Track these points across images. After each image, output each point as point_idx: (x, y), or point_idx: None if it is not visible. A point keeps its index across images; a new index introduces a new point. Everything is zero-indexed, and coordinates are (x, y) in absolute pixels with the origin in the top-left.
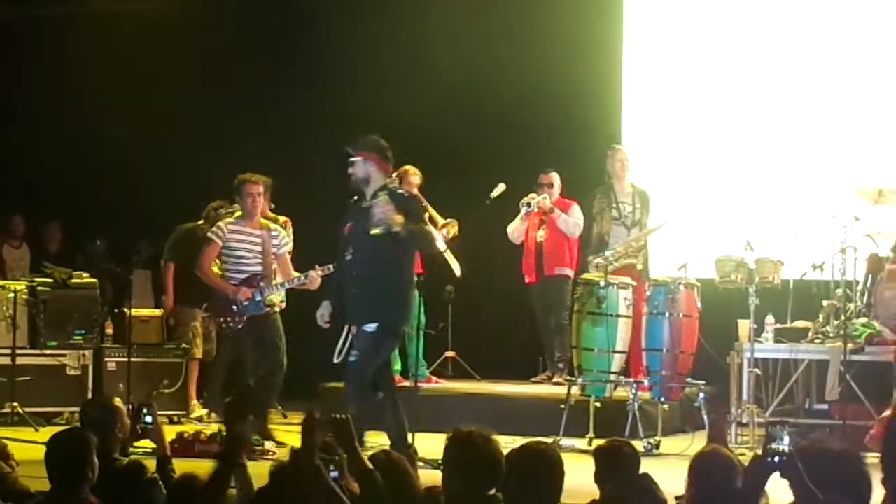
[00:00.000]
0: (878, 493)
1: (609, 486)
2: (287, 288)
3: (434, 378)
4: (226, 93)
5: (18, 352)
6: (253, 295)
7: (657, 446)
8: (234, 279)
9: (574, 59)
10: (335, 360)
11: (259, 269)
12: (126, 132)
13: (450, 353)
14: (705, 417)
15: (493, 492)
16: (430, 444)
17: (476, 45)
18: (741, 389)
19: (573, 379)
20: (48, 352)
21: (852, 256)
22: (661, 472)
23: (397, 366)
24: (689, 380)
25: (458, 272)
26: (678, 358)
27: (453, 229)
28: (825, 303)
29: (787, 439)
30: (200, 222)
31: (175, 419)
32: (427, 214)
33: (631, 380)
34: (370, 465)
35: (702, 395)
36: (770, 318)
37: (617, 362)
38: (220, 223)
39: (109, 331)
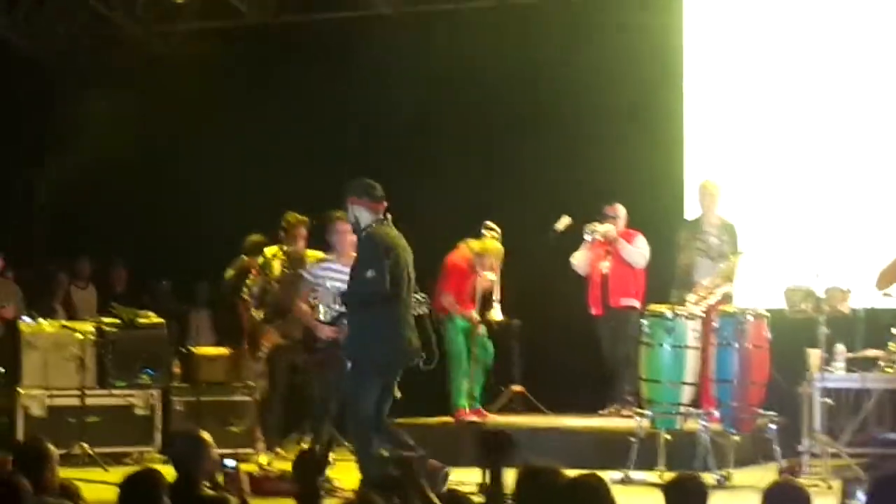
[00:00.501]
0: None
1: None
2: None
3: (482, 411)
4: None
5: (87, 392)
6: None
7: (728, 478)
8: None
9: (636, 86)
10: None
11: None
12: (190, 174)
13: (517, 388)
14: (777, 448)
15: None
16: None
17: (539, 73)
18: (812, 420)
19: (642, 411)
20: (116, 392)
21: None
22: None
23: (462, 401)
24: (760, 411)
25: (498, 316)
26: (748, 389)
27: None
28: (895, 331)
29: (862, 498)
30: (245, 258)
31: (243, 458)
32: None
33: (701, 411)
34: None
35: (773, 426)
36: (840, 347)
37: (686, 394)
38: (307, 265)
39: (177, 370)
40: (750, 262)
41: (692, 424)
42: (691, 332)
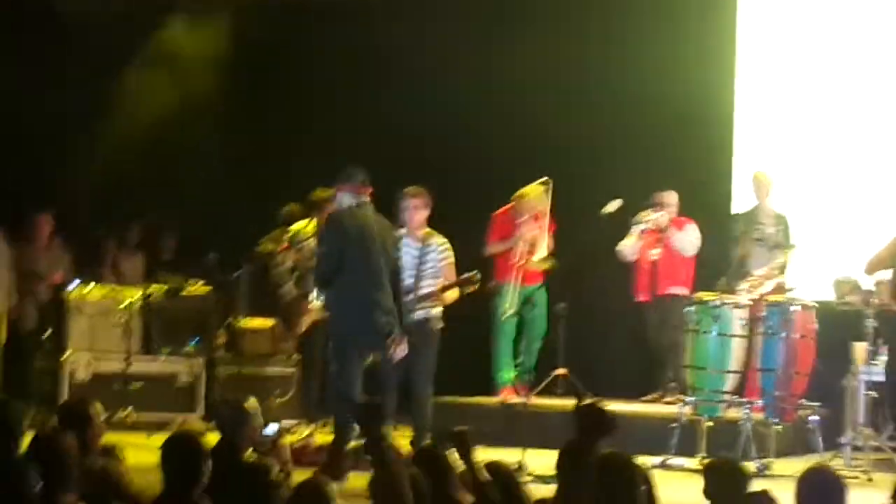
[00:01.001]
0: None
1: (719, 502)
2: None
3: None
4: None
5: (132, 359)
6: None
7: (769, 467)
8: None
9: (689, 75)
10: None
11: (410, 281)
12: (240, 149)
13: (561, 371)
14: (819, 440)
15: None
16: (540, 461)
17: (592, 58)
18: (856, 413)
19: (685, 398)
20: (161, 359)
21: None
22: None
23: (503, 377)
24: (803, 401)
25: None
26: (792, 378)
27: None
28: None
29: None
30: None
31: (287, 430)
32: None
33: (744, 400)
34: (486, 476)
35: (816, 417)
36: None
37: (730, 382)
38: None
39: (221, 341)
40: (801, 253)
41: (734, 413)
42: (738, 321)
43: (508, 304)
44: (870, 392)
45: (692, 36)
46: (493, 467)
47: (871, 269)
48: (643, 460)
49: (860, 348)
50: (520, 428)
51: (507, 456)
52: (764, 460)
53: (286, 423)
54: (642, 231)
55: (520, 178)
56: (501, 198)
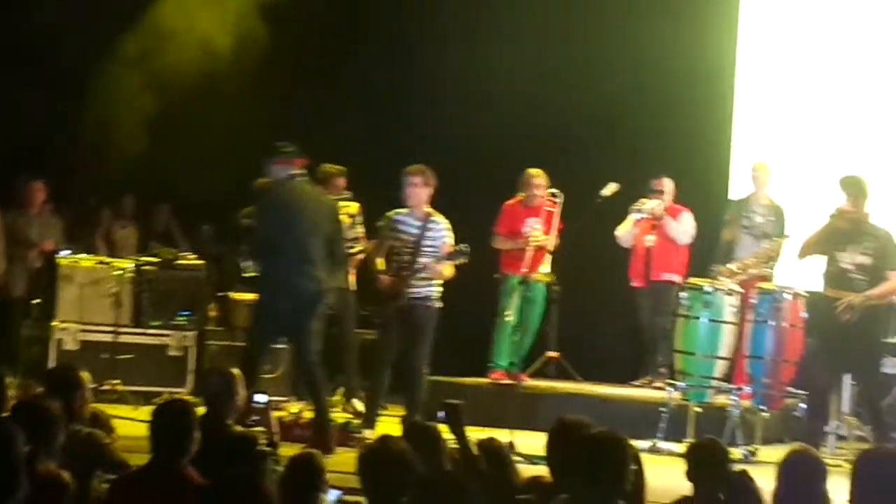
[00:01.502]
0: None
1: (701, 483)
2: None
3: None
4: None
5: (121, 330)
6: (393, 284)
7: (755, 454)
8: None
9: (688, 63)
10: None
11: (409, 258)
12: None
13: (553, 354)
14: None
15: None
16: (529, 441)
17: (587, 43)
18: (841, 402)
19: (674, 382)
20: (151, 331)
21: None
22: (756, 479)
23: (498, 362)
24: (790, 389)
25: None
26: (781, 367)
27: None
28: None
29: None
30: None
31: (275, 405)
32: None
33: (732, 386)
34: (476, 451)
35: (803, 405)
36: None
37: (719, 368)
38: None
39: (213, 313)
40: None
41: (723, 399)
42: (729, 308)
43: (510, 309)
44: (854, 382)
45: (693, 23)
46: (486, 443)
47: (803, 253)
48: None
49: None
50: (511, 409)
51: (497, 436)
52: (750, 447)
53: (275, 398)
54: (637, 219)
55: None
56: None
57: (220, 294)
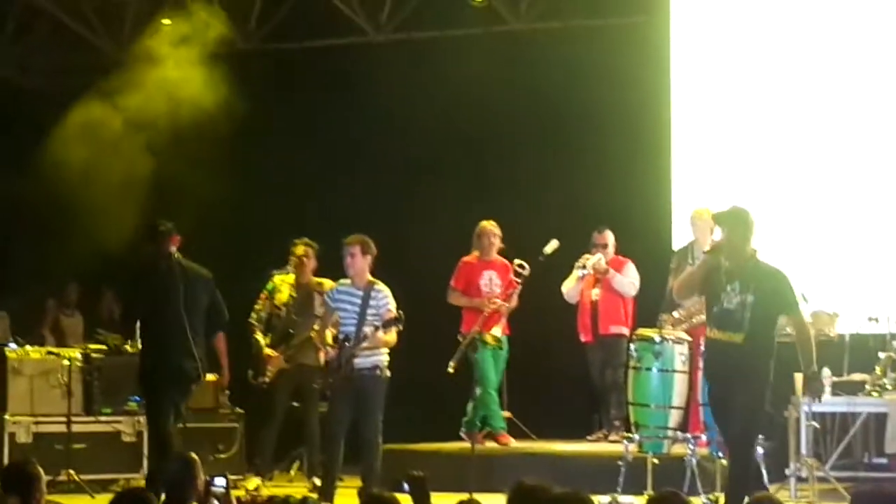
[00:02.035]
0: None
1: None
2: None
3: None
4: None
5: (73, 419)
6: (338, 356)
7: (716, 502)
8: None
9: (623, 113)
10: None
11: (353, 329)
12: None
13: (505, 413)
14: (764, 472)
15: None
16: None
17: (527, 99)
18: (799, 444)
19: (630, 435)
20: (103, 419)
21: None
22: None
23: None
24: None
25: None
26: None
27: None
28: (882, 355)
29: None
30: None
31: (232, 484)
32: None
33: (688, 435)
34: None
35: (760, 450)
36: (827, 372)
37: (674, 418)
38: (325, 290)
39: None
40: None
41: (680, 449)
42: (679, 357)
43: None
44: (812, 423)
45: (625, 71)
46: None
47: (680, 295)
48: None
49: (801, 379)
50: (468, 472)
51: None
52: (711, 495)
53: (232, 477)
54: (582, 275)
55: (457, 216)
56: (439, 231)
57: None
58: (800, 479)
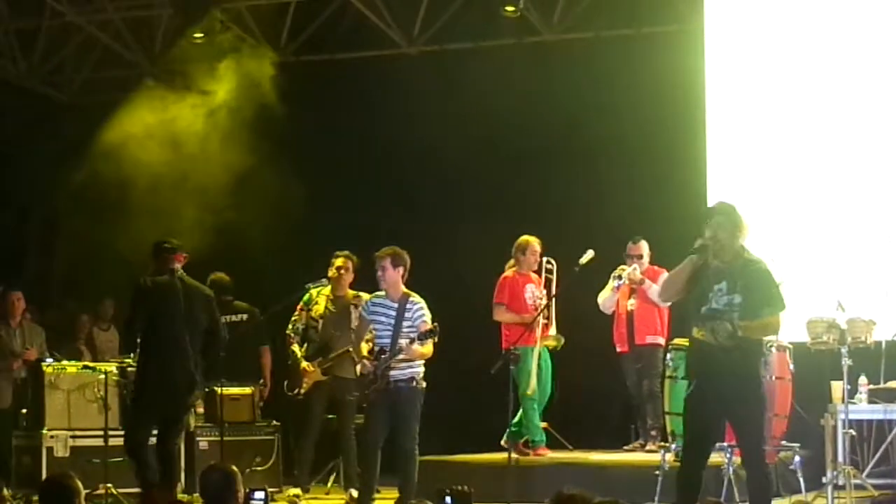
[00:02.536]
0: None
1: None
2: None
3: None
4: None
5: (110, 433)
6: (374, 368)
7: None
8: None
9: (658, 121)
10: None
11: (388, 341)
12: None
13: (542, 424)
14: (801, 480)
15: None
16: None
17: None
18: (836, 451)
19: (666, 445)
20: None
21: None
22: None
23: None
24: (783, 443)
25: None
26: (772, 421)
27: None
28: None
29: None
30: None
31: (270, 497)
32: None
33: (725, 444)
34: None
35: (797, 458)
36: (863, 379)
37: None
38: (361, 303)
39: (200, 410)
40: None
41: (716, 457)
42: None
43: (529, 384)
44: (849, 430)
45: (662, 80)
46: None
47: (666, 295)
48: None
49: (837, 387)
50: (506, 483)
51: None
52: None
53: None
54: (617, 286)
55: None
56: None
57: (206, 390)
58: (837, 487)
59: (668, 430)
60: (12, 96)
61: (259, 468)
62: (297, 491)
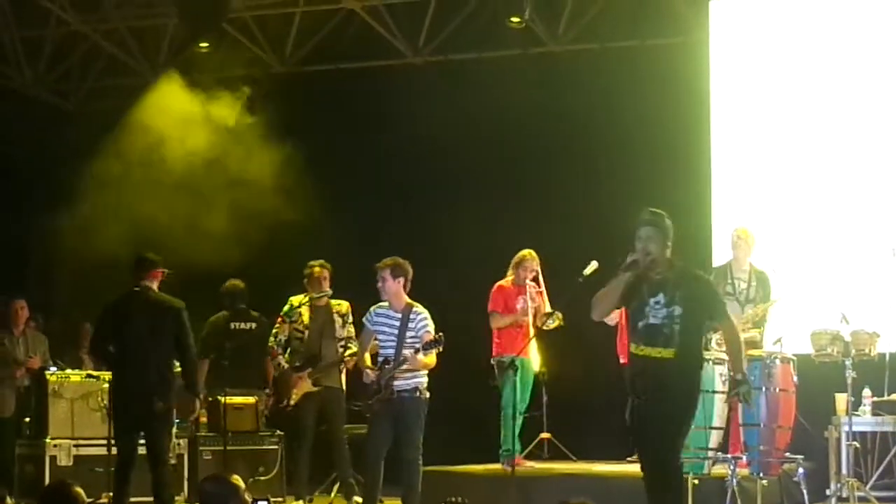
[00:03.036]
0: None
1: None
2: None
3: (521, 459)
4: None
5: (113, 442)
6: (378, 378)
7: None
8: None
9: (663, 132)
10: None
11: (391, 351)
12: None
13: (545, 435)
14: (805, 493)
15: None
16: None
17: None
18: (840, 464)
19: None
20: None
21: None
22: None
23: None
24: (787, 455)
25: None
26: (776, 433)
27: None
28: None
29: None
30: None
31: None
32: None
33: (729, 456)
34: None
35: (801, 470)
36: (867, 391)
37: (714, 438)
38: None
39: (204, 419)
40: (780, 308)
41: (720, 469)
42: (718, 377)
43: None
44: (853, 442)
45: (667, 91)
46: None
47: (599, 312)
48: None
49: (841, 399)
50: (509, 494)
51: None
52: None
53: (273, 499)
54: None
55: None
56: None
57: (209, 399)
58: (841, 499)
59: None
60: (18, 104)
61: (262, 478)
62: (300, 503)
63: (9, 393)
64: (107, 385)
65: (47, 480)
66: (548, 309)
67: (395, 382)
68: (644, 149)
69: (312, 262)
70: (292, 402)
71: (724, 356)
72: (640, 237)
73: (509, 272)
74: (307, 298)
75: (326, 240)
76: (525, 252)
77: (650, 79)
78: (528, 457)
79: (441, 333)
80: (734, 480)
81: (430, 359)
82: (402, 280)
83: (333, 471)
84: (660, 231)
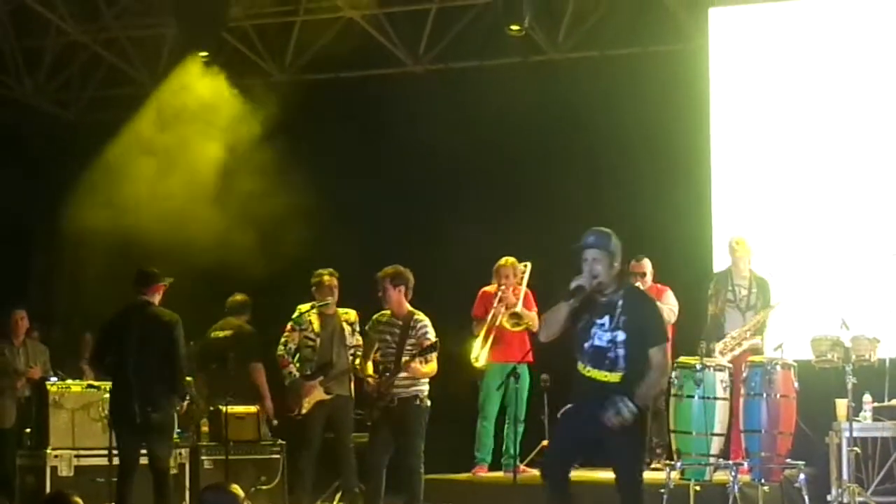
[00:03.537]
0: None
1: None
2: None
3: (523, 467)
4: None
5: (114, 451)
6: (378, 386)
7: None
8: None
9: (662, 139)
10: None
11: (393, 359)
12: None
13: (546, 442)
14: (806, 498)
15: None
16: None
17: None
18: (841, 469)
19: (672, 463)
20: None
21: None
22: None
23: (479, 456)
24: (788, 460)
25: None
26: (777, 439)
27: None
28: None
29: None
30: (232, 319)
31: None
32: None
33: (730, 462)
34: None
35: (802, 476)
36: (867, 397)
37: (716, 445)
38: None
39: (205, 429)
40: (779, 313)
41: (722, 475)
42: (720, 383)
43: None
44: (854, 448)
45: (667, 99)
46: None
47: (545, 333)
48: None
49: (842, 405)
50: (513, 501)
51: None
52: None
53: None
54: None
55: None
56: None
57: (211, 409)
58: None
59: (674, 448)
60: (18, 115)
61: (264, 487)
62: None
63: (9, 403)
64: (107, 395)
65: (48, 491)
66: (517, 309)
67: (396, 390)
68: (644, 155)
69: (321, 271)
70: (304, 411)
71: (724, 362)
72: (587, 259)
73: (493, 279)
74: (312, 307)
75: (327, 248)
76: (503, 259)
77: (650, 86)
78: (531, 464)
79: (437, 339)
80: (736, 486)
81: (430, 367)
82: (402, 288)
83: (336, 479)
84: (606, 252)
